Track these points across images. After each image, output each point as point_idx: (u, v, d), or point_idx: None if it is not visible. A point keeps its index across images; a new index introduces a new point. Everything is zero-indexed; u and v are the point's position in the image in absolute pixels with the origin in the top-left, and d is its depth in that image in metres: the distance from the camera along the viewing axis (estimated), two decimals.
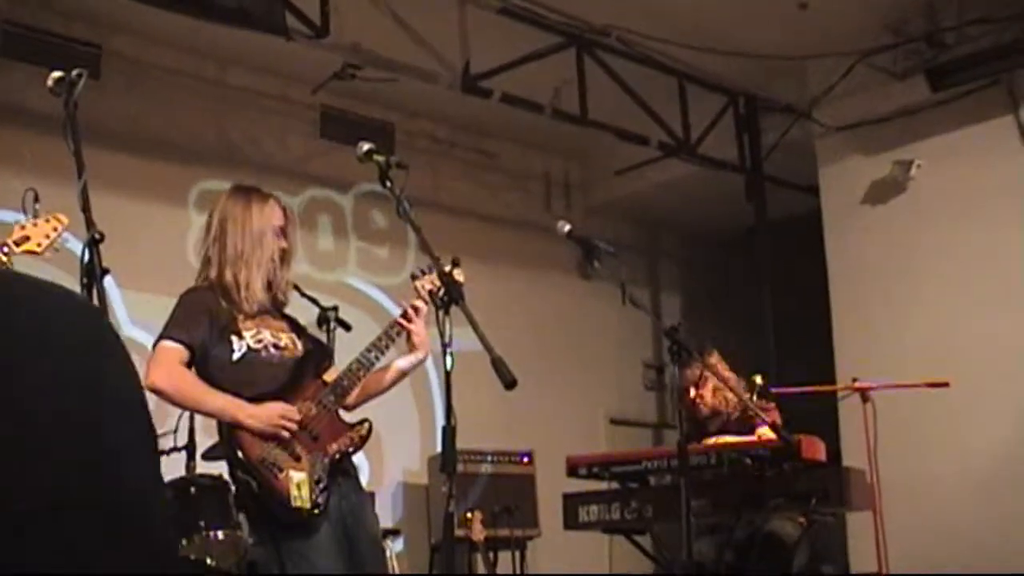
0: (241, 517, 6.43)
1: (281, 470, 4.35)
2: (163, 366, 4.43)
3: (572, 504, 6.22)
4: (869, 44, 9.13)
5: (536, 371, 9.40)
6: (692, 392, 6.77)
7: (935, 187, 9.16)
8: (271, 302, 4.69)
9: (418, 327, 4.77)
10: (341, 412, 4.69)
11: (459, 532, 8.10)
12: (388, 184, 4.26)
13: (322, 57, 8.64)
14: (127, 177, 8.49)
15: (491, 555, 8.68)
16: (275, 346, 4.59)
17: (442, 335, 3.90)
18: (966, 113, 9.00)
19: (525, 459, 9.68)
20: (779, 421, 6.49)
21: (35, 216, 3.93)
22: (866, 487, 6.10)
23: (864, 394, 6.56)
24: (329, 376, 4.70)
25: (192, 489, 6.36)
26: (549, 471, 8.35)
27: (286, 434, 4.37)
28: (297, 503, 4.32)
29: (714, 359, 6.73)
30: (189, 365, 4.50)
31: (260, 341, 4.57)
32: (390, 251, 10.07)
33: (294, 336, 4.70)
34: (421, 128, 10.50)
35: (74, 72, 3.22)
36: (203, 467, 6.69)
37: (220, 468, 6.43)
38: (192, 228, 9.13)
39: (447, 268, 4.56)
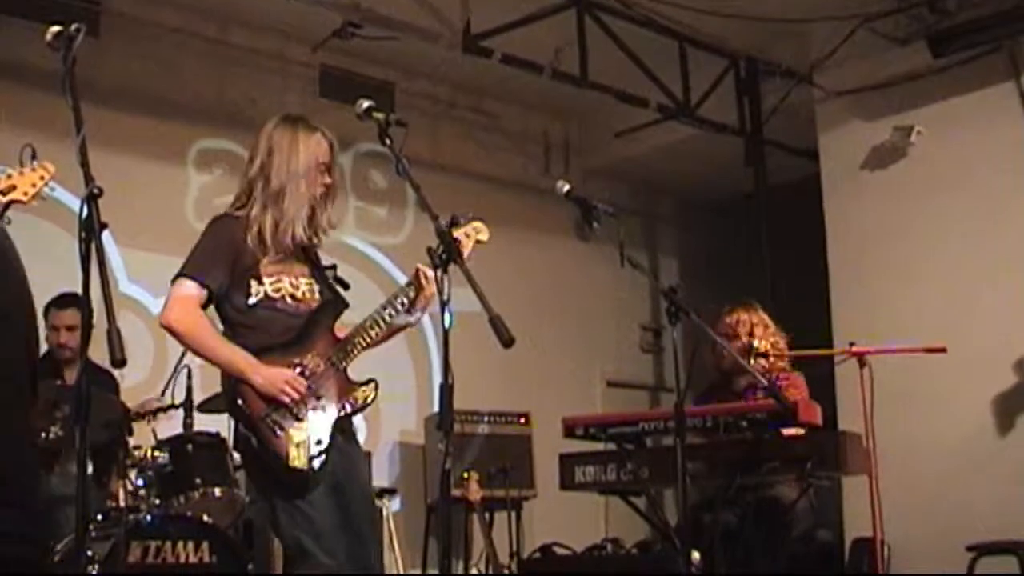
0: (239, 474, 6.48)
1: (282, 428, 4.32)
2: (179, 306, 4.40)
3: (568, 465, 6.22)
4: (871, 9, 9.10)
5: (533, 332, 9.42)
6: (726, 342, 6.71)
7: (935, 153, 9.15)
8: (305, 241, 4.62)
9: (432, 290, 4.74)
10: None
11: (455, 492, 8.12)
12: (388, 142, 4.24)
13: (322, 15, 8.62)
14: (126, 136, 8.48)
15: (487, 515, 8.71)
16: (292, 296, 4.53)
17: (441, 293, 3.89)
18: (967, 79, 8.97)
19: (522, 420, 9.70)
20: (805, 390, 6.52)
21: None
22: (862, 451, 6.11)
23: (861, 359, 6.57)
24: (340, 331, 4.67)
25: (189, 447, 6.39)
26: (546, 432, 8.37)
27: (287, 400, 4.33)
28: (295, 463, 4.29)
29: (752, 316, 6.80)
30: (206, 305, 4.46)
31: (279, 290, 4.51)
32: (389, 211, 10.06)
33: (313, 282, 4.62)
34: (421, 88, 10.48)
35: (73, 27, 3.19)
36: (200, 425, 6.73)
37: (218, 425, 6.47)
38: (191, 186, 9.13)
39: (454, 226, 4.62)
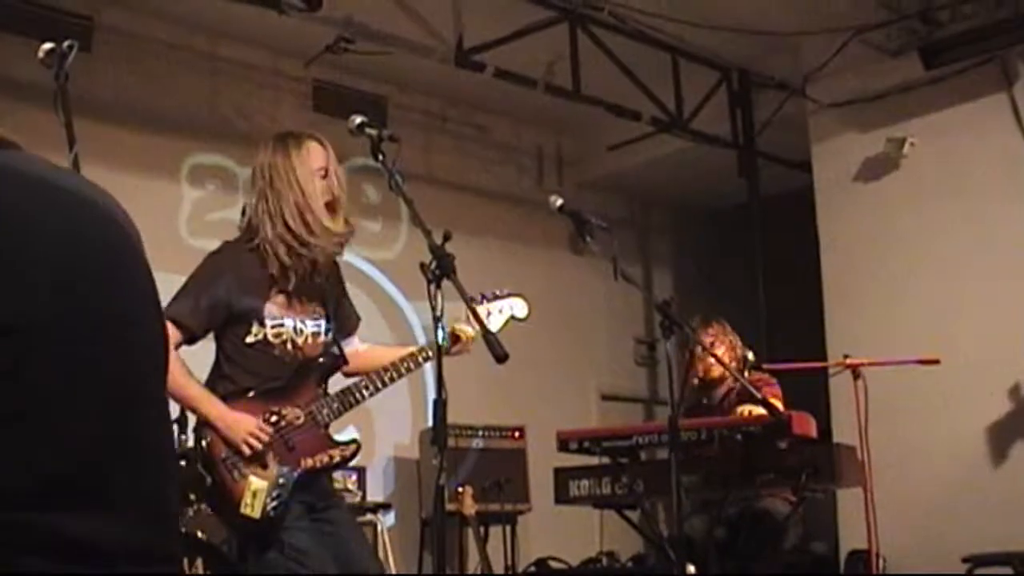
0: None
1: (242, 474, 4.28)
2: None
3: (563, 479, 6.22)
4: (863, 21, 9.11)
5: (527, 346, 9.38)
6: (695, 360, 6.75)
7: (928, 165, 9.16)
8: (328, 251, 4.54)
9: (464, 350, 4.73)
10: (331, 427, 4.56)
11: (450, 506, 8.10)
12: (380, 157, 4.22)
13: (315, 30, 8.62)
14: (118, 150, 8.46)
15: (482, 529, 8.70)
16: (292, 342, 4.48)
17: (433, 309, 3.88)
18: (960, 91, 8.99)
19: (516, 434, 9.69)
20: (780, 397, 6.52)
21: None
22: (856, 464, 6.11)
23: (855, 370, 6.58)
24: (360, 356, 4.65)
25: (183, 463, 6.37)
26: (540, 446, 8.37)
27: (247, 451, 4.26)
28: (246, 511, 4.24)
29: (714, 331, 6.79)
30: (190, 342, 4.42)
31: (279, 335, 4.46)
32: (382, 225, 10.06)
33: (321, 325, 4.58)
34: (414, 102, 10.48)
35: (65, 44, 3.20)
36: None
37: None
38: (184, 202, 9.12)
39: (488, 300, 4.72)
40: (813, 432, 5.79)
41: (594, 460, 6.20)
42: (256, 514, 4.25)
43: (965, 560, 7.58)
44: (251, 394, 4.40)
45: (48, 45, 3.23)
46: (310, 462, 4.41)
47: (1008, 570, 7.51)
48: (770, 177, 10.42)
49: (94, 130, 7.68)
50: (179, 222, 9.02)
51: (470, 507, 8.22)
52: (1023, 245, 8.64)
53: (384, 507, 9.03)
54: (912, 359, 7.03)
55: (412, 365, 4.61)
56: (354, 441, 4.52)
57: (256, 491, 4.27)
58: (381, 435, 9.68)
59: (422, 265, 3.98)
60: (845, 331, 9.25)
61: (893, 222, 9.31)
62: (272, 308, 4.46)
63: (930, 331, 8.73)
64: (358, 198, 9.87)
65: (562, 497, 6.22)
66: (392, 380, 4.59)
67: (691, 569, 5.54)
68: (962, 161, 9.01)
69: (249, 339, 4.43)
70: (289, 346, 4.48)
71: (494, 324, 4.77)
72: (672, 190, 12.02)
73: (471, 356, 4.24)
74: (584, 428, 6.56)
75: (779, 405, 6.02)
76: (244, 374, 4.43)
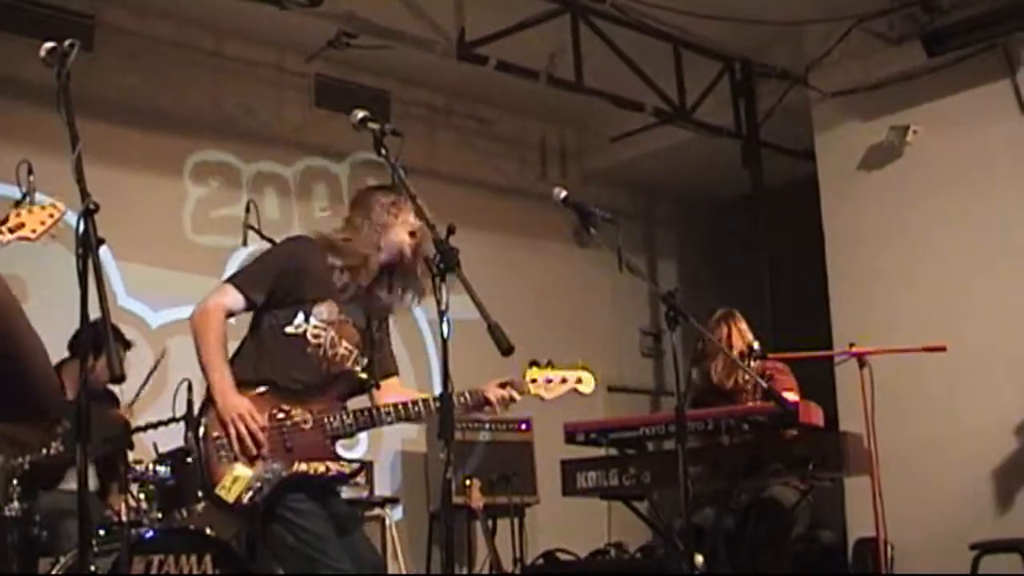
0: None
1: (229, 458, 4.32)
2: (209, 306, 4.46)
3: (570, 471, 6.22)
4: (865, 9, 9.11)
5: (533, 338, 9.33)
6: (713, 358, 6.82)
7: (932, 152, 9.15)
8: (373, 305, 4.71)
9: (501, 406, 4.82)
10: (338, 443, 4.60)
11: (457, 499, 8.11)
12: (383, 152, 4.23)
13: (316, 26, 8.61)
14: (122, 149, 8.47)
15: (490, 522, 8.71)
16: (325, 350, 4.55)
17: (439, 302, 3.88)
18: (962, 78, 8.97)
19: (523, 426, 9.68)
20: (795, 387, 6.53)
21: (29, 191, 3.90)
22: (863, 452, 6.11)
23: (861, 359, 6.57)
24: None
25: (190, 459, 6.36)
26: (547, 438, 8.36)
27: (232, 431, 4.31)
28: (222, 492, 4.29)
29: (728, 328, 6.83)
30: (246, 311, 4.54)
31: (317, 337, 4.53)
32: None
33: (355, 353, 4.66)
34: (416, 96, 10.48)
35: (66, 43, 3.19)
36: None
37: None
38: (188, 199, 9.12)
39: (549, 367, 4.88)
40: (820, 421, 5.79)
41: (601, 452, 6.21)
42: (230, 498, 4.29)
43: (973, 547, 7.58)
44: (270, 387, 4.45)
45: (49, 44, 3.22)
46: (304, 467, 4.43)
47: (1015, 557, 7.51)
48: (774, 167, 10.41)
49: (97, 129, 7.69)
50: (183, 219, 9.02)
51: (478, 500, 8.23)
52: None
53: (392, 501, 9.03)
54: (918, 347, 7.02)
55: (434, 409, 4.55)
56: (361, 464, 4.56)
57: (237, 477, 4.31)
58: (388, 430, 9.62)
59: (426, 259, 3.99)
60: (850, 320, 9.24)
61: (897, 210, 9.30)
62: (323, 310, 4.54)
63: (936, 319, 8.72)
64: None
65: (569, 489, 6.22)
66: (419, 416, 4.63)
67: (699, 559, 5.54)
68: (965, 148, 8.99)
69: (290, 329, 4.50)
70: (322, 352, 4.54)
71: (553, 393, 4.95)
72: (676, 181, 12.01)
73: (477, 348, 4.22)
74: (591, 420, 6.55)
75: (793, 396, 6.02)
76: (269, 363, 4.49)
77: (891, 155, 9.37)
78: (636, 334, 12.12)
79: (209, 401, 4.40)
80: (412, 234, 4.70)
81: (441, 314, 3.86)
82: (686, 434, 4.89)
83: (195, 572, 5.70)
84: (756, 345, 6.72)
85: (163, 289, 8.43)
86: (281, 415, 4.41)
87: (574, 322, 11.25)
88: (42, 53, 3.24)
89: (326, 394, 4.55)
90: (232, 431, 4.32)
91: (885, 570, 6.68)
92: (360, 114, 4.32)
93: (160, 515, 6.12)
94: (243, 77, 9.44)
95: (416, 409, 4.60)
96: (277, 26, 8.80)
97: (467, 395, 4.69)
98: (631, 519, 6.55)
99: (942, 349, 6.86)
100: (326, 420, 4.49)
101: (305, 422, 4.45)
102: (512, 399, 4.82)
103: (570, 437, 6.16)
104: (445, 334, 3.89)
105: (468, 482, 8.31)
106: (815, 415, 5.72)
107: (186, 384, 6.60)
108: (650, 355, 12.24)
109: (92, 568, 5.44)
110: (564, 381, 4.98)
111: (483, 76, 9.28)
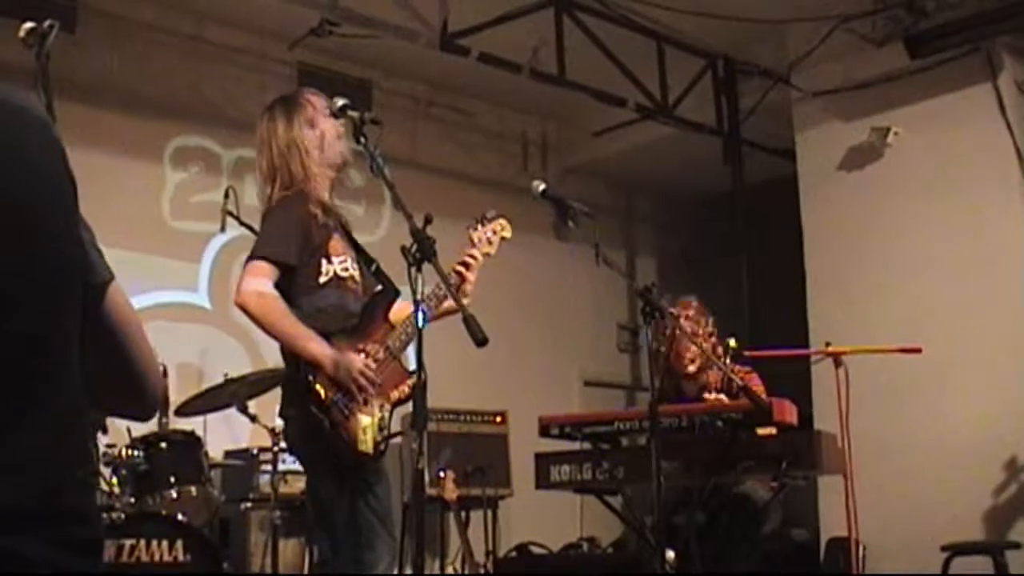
0: (213, 472, 6.44)
1: (352, 413, 4.37)
2: (254, 286, 4.40)
3: (544, 464, 6.22)
4: (849, 10, 9.13)
5: (510, 331, 9.43)
6: (675, 347, 6.80)
7: (912, 154, 9.17)
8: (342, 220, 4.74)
9: (472, 277, 4.82)
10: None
11: (431, 491, 8.11)
12: (362, 140, 4.23)
13: (299, 13, 8.60)
14: (102, 133, 8.44)
15: (463, 514, 8.71)
16: (354, 279, 4.60)
17: (414, 292, 3.88)
18: (944, 81, 8.99)
19: (498, 419, 9.70)
20: (763, 390, 6.51)
21: None
22: (837, 451, 6.12)
23: (837, 358, 6.58)
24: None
25: (163, 444, 6.35)
26: (522, 431, 8.37)
27: (363, 382, 4.38)
28: (362, 447, 4.38)
29: (691, 311, 6.78)
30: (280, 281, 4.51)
31: (346, 270, 4.57)
32: (366, 208, 10.03)
33: (359, 268, 4.69)
34: (399, 86, 10.47)
35: (46, 23, 3.17)
36: (175, 423, 6.71)
37: (193, 424, 6.46)
38: (167, 185, 9.09)
39: (482, 223, 5.01)
40: (794, 419, 5.80)
41: (575, 445, 6.21)
42: (370, 449, 4.41)
43: (944, 548, 7.61)
44: (334, 337, 4.46)
45: (29, 24, 3.20)
46: (395, 394, 4.58)
47: (987, 559, 7.54)
48: (754, 165, 10.43)
49: (77, 112, 7.68)
50: (162, 204, 8.99)
51: (451, 492, 8.23)
52: (1006, 235, 8.67)
53: None
54: (894, 348, 7.03)
55: (446, 291, 4.61)
56: (417, 371, 4.56)
57: (365, 427, 4.41)
58: None
59: (403, 248, 3.98)
60: (827, 319, 9.26)
61: (877, 211, 9.32)
62: (335, 246, 4.57)
63: (912, 320, 8.75)
64: (341, 181, 9.88)
65: (543, 482, 6.22)
66: (444, 298, 4.66)
67: (671, 555, 5.56)
68: (946, 151, 9.02)
69: (322, 278, 4.51)
70: (351, 283, 4.58)
71: (491, 249, 5.09)
72: (656, 177, 12.03)
73: (452, 340, 4.23)
74: (566, 413, 6.56)
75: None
76: (323, 317, 4.48)
77: (871, 156, 9.39)
78: (613, 329, 12.14)
79: (310, 372, 4.37)
80: (340, 136, 4.73)
81: (416, 303, 3.86)
82: (660, 430, 4.90)
83: (166, 557, 5.69)
84: (732, 342, 6.73)
85: (141, 274, 8.40)
86: (362, 355, 4.46)
87: (551, 315, 11.27)
88: (21, 33, 3.22)
89: (376, 319, 4.60)
90: (363, 382, 4.38)
91: (857, 570, 6.70)
92: (340, 102, 4.34)
93: (133, 500, 6.11)
94: (225, 63, 9.41)
95: (441, 292, 4.63)
96: (260, 12, 8.78)
97: (438, 288, 4.65)
98: (604, 513, 6.56)
99: (917, 351, 6.88)
100: (389, 343, 4.56)
101: (378, 353, 4.52)
102: (474, 258, 4.97)
103: (544, 430, 6.16)
104: (419, 324, 3.89)
105: (442, 474, 8.30)
106: (789, 413, 5.73)
107: (161, 369, 6.60)
108: (626, 350, 12.27)
109: None
110: (495, 232, 5.21)
111: (466, 68, 9.28)
